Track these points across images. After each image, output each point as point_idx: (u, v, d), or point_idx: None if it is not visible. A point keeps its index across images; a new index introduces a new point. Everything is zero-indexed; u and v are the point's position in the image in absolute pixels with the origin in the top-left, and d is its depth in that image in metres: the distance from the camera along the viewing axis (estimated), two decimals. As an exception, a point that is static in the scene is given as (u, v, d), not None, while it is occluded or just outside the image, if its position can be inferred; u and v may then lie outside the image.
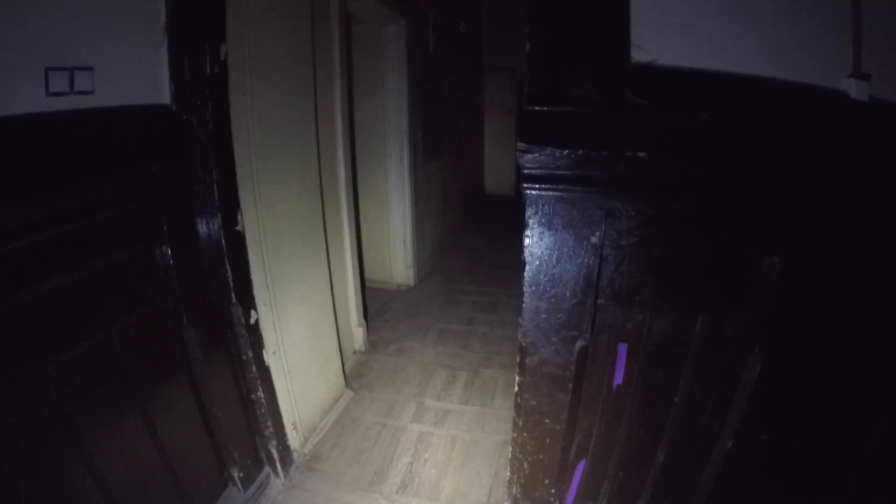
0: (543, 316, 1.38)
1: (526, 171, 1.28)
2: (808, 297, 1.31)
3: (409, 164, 4.41)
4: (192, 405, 1.92)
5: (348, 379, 3.19)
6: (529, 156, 1.26)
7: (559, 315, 1.38)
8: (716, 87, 1.27)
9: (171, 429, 1.75)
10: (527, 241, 1.33)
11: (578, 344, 1.39)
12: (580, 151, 1.23)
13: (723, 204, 1.29)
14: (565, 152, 1.24)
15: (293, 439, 2.49)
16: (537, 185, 1.29)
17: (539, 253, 1.35)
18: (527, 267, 1.35)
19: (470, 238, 6.47)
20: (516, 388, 1.50)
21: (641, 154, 1.22)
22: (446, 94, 5.73)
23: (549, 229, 1.32)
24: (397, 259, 4.63)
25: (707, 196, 1.28)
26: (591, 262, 1.32)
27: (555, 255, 1.34)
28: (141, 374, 1.61)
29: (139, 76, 1.59)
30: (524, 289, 1.37)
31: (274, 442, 2.34)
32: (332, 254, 2.97)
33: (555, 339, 1.40)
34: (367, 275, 4.73)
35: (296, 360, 2.44)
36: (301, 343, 2.49)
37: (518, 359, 1.46)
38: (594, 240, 1.30)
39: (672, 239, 1.29)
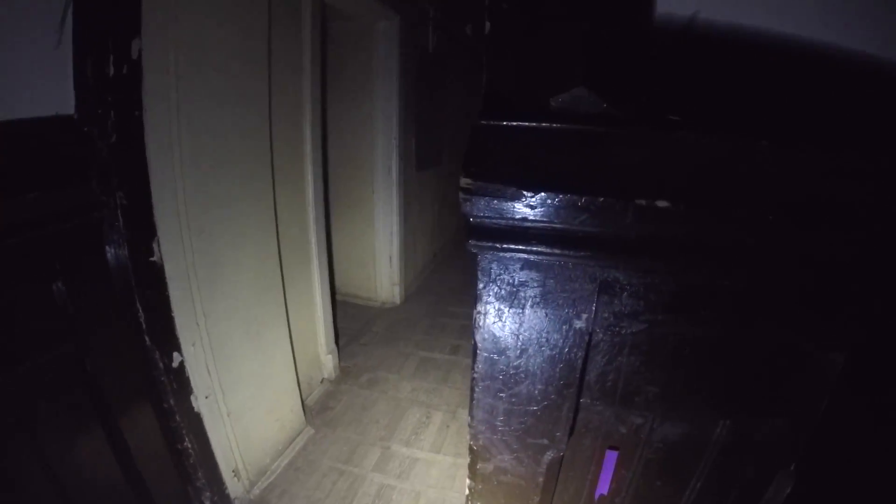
0: (501, 418, 1.03)
1: (475, 222, 0.88)
2: (870, 404, 0.97)
3: (398, 175, 4.07)
4: (111, 460, 1.64)
5: (311, 413, 2.88)
6: (481, 200, 0.85)
7: (524, 419, 1.03)
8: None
9: (85, 487, 1.51)
10: (478, 321, 0.96)
11: (549, 455, 1.06)
12: (564, 196, 0.81)
13: (780, 281, 0.88)
14: (540, 196, 0.82)
15: (234, 487, 2.19)
16: (494, 244, 0.90)
17: (496, 339, 0.98)
18: (478, 355, 0.99)
19: (466, 254, 6.14)
20: (466, 493, 1.17)
21: (662, 203, 0.79)
22: (448, 99, 5.39)
23: (511, 307, 0.95)
24: (382, 276, 4.31)
25: (759, 269, 0.86)
26: (575, 353, 0.95)
27: (520, 342, 0.97)
28: (46, 427, 1.38)
29: (40, 82, 1.30)
30: (474, 382, 1.01)
31: (208, 493, 2.06)
32: (296, 277, 2.66)
33: (516, 446, 1.06)
34: (349, 290, 4.44)
35: (239, 402, 2.14)
36: (246, 382, 2.19)
37: (469, 460, 1.13)
38: (580, 324, 0.93)
39: (698, 327, 0.91)
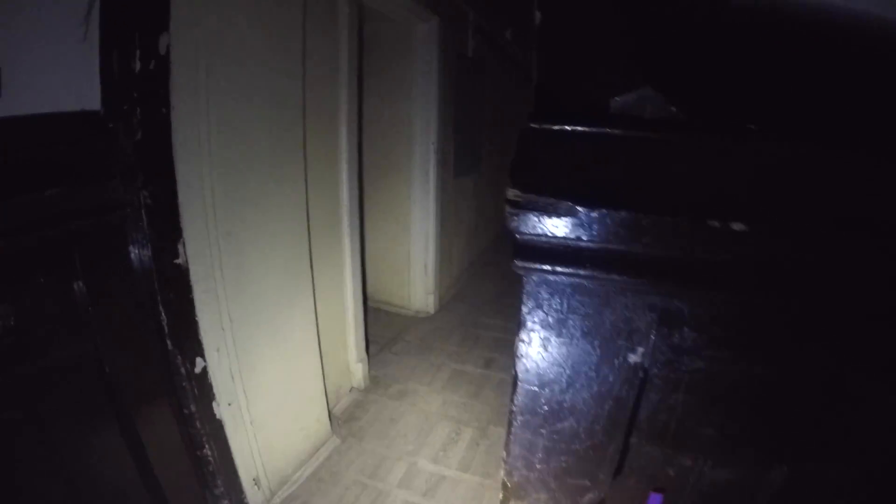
0: (540, 456, 0.92)
1: (522, 240, 0.79)
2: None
3: (436, 180, 3.99)
4: (127, 463, 1.62)
5: (338, 422, 2.81)
6: (530, 215, 0.74)
7: (565, 458, 0.92)
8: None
9: (101, 490, 1.49)
10: (521, 350, 0.86)
11: (589, 497, 0.94)
12: (625, 214, 0.70)
13: (856, 317, 0.73)
14: (598, 213, 0.71)
15: (253, 496, 2.13)
16: (543, 265, 0.79)
17: (540, 370, 0.87)
18: (519, 387, 0.88)
19: (503, 262, 6.00)
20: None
21: (738, 226, 0.67)
22: (486, 104, 5.29)
23: (558, 336, 0.84)
24: (417, 284, 4.23)
25: (837, 303, 0.72)
26: (627, 389, 0.84)
27: (566, 376, 0.86)
28: (61, 426, 1.35)
29: (67, 76, 1.27)
30: (512, 416, 0.91)
31: (226, 501, 2.01)
32: (327, 283, 2.60)
33: (555, 486, 0.95)
34: (382, 297, 4.37)
35: (263, 409, 2.09)
36: (272, 389, 2.13)
37: (501, 496, 1.01)
38: (635, 358, 0.81)
39: (763, 364, 0.78)
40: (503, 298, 4.72)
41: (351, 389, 3.12)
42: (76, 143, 1.29)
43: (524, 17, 6.99)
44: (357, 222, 2.80)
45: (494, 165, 5.98)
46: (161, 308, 1.52)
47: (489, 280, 5.29)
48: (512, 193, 0.74)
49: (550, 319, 0.82)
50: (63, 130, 1.28)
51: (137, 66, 1.31)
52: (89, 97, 1.33)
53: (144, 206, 1.38)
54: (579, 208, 0.70)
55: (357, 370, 3.10)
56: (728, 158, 0.69)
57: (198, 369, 1.72)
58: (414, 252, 4.16)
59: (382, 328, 4.03)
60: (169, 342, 1.58)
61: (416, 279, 4.22)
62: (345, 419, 2.89)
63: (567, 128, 0.73)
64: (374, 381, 3.26)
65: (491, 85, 5.36)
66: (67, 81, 1.28)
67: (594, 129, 0.72)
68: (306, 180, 2.12)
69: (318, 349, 2.41)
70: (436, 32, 3.62)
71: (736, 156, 0.69)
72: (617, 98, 0.73)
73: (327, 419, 2.64)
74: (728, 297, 0.73)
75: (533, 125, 0.76)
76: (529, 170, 0.75)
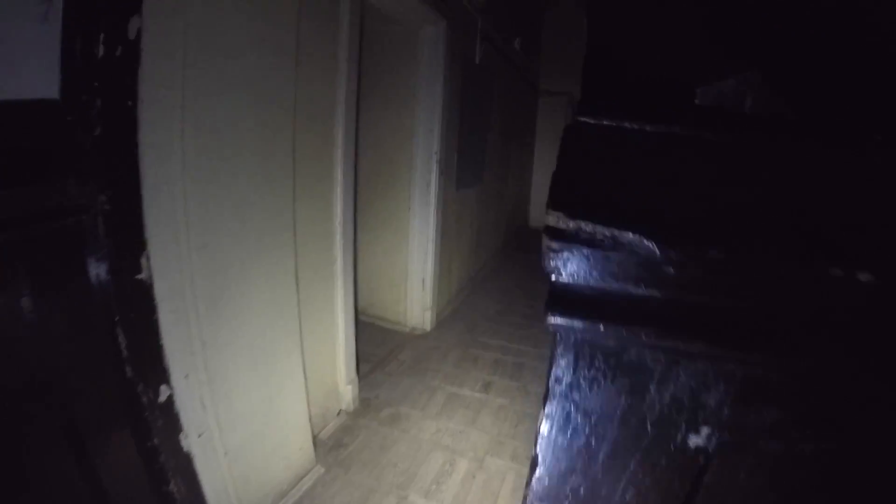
0: None
1: (562, 285, 0.57)
2: None
3: (437, 191, 3.81)
4: (83, 500, 1.42)
5: (323, 448, 2.61)
6: (579, 252, 0.53)
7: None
8: None
9: None
10: (545, 428, 0.65)
11: None
12: (716, 253, 0.49)
13: None
14: (677, 253, 0.50)
15: (227, 534, 1.92)
16: (592, 322, 0.56)
17: (569, 454, 0.66)
18: (537, 471, 0.67)
19: (504, 278, 5.82)
20: None
21: (865, 277, 0.47)
22: (492, 114, 5.12)
23: (599, 411, 0.63)
24: (413, 299, 4.03)
25: None
26: (680, 479, 0.62)
27: (602, 461, 0.64)
28: (10, 459, 1.18)
29: (24, 59, 1.09)
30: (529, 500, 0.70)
31: (195, 542, 1.81)
32: (316, 300, 2.41)
33: None
34: (376, 312, 4.18)
35: (239, 439, 1.89)
36: (249, 418, 1.93)
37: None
38: (696, 440, 0.60)
39: (854, 447, 0.58)
40: (503, 316, 4.53)
41: (339, 412, 2.91)
42: (25, 136, 1.11)
43: (532, 27, 6.86)
44: (351, 235, 2.61)
45: (498, 177, 5.81)
46: (119, 330, 1.32)
47: (489, 296, 5.09)
48: (553, 219, 0.52)
49: (590, 390, 0.61)
50: (11, 120, 1.10)
51: (101, 50, 1.13)
52: (49, 85, 1.15)
53: (102, 213, 1.19)
54: (651, 244, 0.49)
55: (346, 392, 2.90)
56: (854, 179, 0.50)
57: (162, 398, 1.52)
58: (412, 266, 3.97)
59: (375, 345, 3.83)
60: (128, 369, 1.39)
61: (413, 294, 4.02)
62: (331, 445, 2.68)
63: (632, 125, 0.52)
64: (365, 404, 3.06)
65: (498, 94, 5.20)
66: (24, 66, 1.10)
67: (674, 130, 0.52)
68: (294, 188, 1.94)
69: (303, 373, 2.21)
70: (443, 36, 3.45)
71: (863, 176, 0.49)
72: (706, 86, 0.53)
73: (311, 447, 2.43)
74: (830, 367, 0.54)
75: (583, 118, 0.55)
76: (579, 186, 0.53)
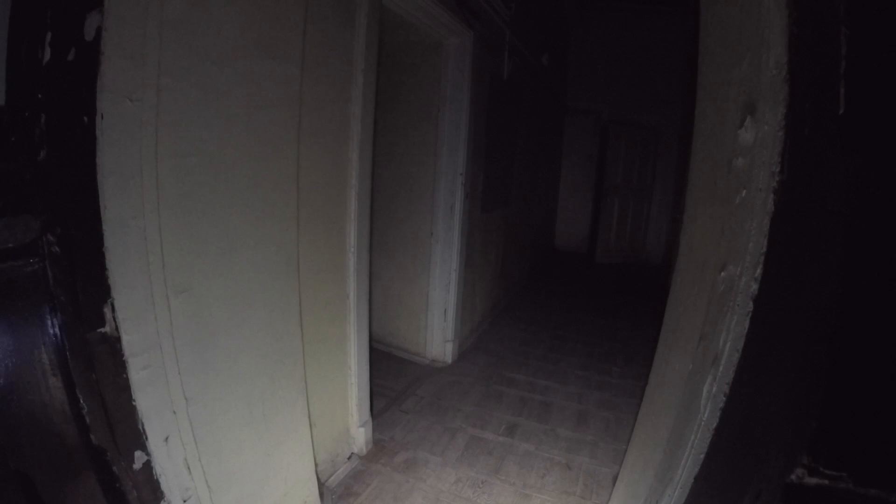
0: None
1: None
2: None
3: (461, 215, 3.58)
4: None
5: (331, 497, 2.37)
6: None
7: None
8: None
9: None
10: None
11: None
12: None
13: None
14: None
15: None
16: None
17: None
18: None
19: (530, 306, 5.53)
20: None
21: None
22: (520, 132, 4.90)
23: None
24: (434, 330, 3.79)
25: None
26: None
27: None
28: None
29: None
30: None
31: None
32: (324, 339, 2.19)
33: None
34: (394, 342, 3.95)
35: (233, 500, 1.67)
36: (244, 476, 1.71)
37: None
38: None
39: None
40: (529, 348, 4.25)
41: (350, 456, 2.67)
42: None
43: (558, 44, 6.66)
44: (366, 266, 2.39)
45: (525, 199, 5.57)
46: (79, 394, 1.11)
47: (514, 326, 4.82)
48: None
49: None
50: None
51: (46, 55, 0.94)
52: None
53: (49, 256, 0.99)
54: None
55: (359, 435, 2.66)
56: None
57: (137, 465, 1.31)
58: (433, 295, 3.73)
59: (393, 378, 3.59)
60: (92, 437, 1.18)
61: (434, 324, 3.78)
62: (340, 494, 2.44)
63: None
64: (379, 447, 2.81)
65: (525, 111, 4.98)
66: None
67: None
68: (298, 216, 1.73)
69: (307, 422, 1.99)
70: (469, 49, 3.25)
71: None
72: None
73: (317, 500, 2.19)
74: None
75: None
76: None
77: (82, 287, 1.06)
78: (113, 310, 1.12)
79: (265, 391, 1.72)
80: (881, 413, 0.48)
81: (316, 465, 2.20)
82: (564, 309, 5.47)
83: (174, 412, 1.36)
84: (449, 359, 3.83)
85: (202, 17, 1.27)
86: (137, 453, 1.30)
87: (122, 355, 1.17)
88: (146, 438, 1.31)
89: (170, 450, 1.38)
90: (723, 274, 0.94)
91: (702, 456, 0.91)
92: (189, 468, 1.47)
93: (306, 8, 1.61)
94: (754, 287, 0.78)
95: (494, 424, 3.10)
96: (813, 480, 0.46)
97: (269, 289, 1.65)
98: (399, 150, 3.62)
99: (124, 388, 1.21)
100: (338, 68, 1.98)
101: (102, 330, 1.12)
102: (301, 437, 1.97)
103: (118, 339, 1.16)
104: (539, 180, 6.41)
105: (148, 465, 1.34)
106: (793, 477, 0.46)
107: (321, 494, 2.25)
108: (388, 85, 3.50)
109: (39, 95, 0.93)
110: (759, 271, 0.77)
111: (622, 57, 7.68)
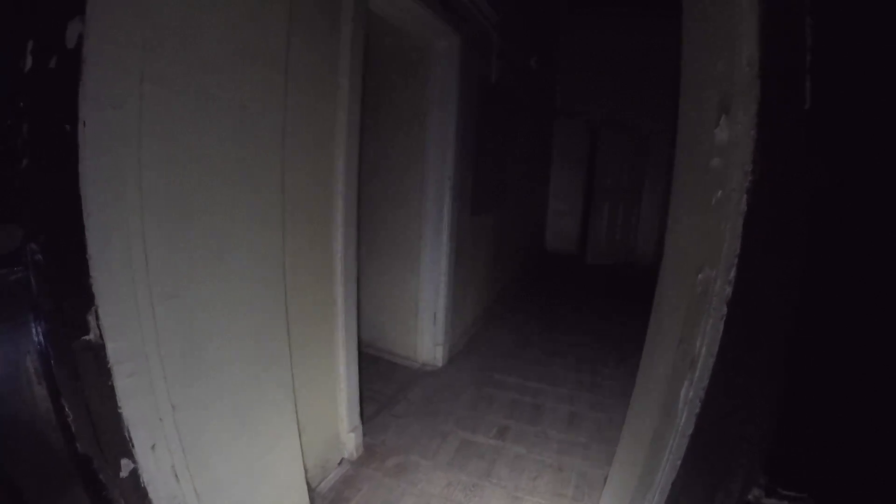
0: None
1: None
2: None
3: (450, 219, 3.59)
4: None
5: (321, 503, 2.37)
6: None
7: None
8: None
9: None
10: None
11: None
12: None
13: None
14: None
15: None
16: None
17: None
18: None
19: (521, 308, 5.55)
20: None
21: None
22: (509, 136, 4.92)
23: None
24: (424, 334, 3.80)
25: None
26: None
27: None
28: None
29: None
30: None
31: None
32: (312, 343, 2.19)
33: None
34: (384, 346, 3.95)
35: (221, 508, 1.66)
36: (233, 483, 1.71)
37: None
38: None
39: None
40: (521, 351, 4.26)
41: (341, 461, 2.67)
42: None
43: (547, 47, 6.70)
44: (354, 271, 2.40)
45: (515, 201, 5.59)
46: (64, 402, 1.11)
47: (505, 329, 4.83)
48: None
49: None
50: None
51: (28, 63, 0.94)
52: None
53: (33, 265, 0.99)
54: None
55: (349, 440, 2.66)
56: None
57: (124, 473, 1.31)
58: (423, 298, 3.74)
59: (383, 382, 3.60)
60: (78, 445, 1.17)
61: (424, 328, 3.79)
62: (331, 499, 2.43)
63: None
64: (369, 451, 2.81)
65: (514, 114, 5.01)
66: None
67: None
68: (284, 222, 1.73)
69: (296, 428, 1.99)
70: (457, 52, 3.27)
71: None
72: None
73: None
74: None
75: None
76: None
77: (66, 295, 1.06)
78: (97, 317, 1.12)
79: (253, 397, 1.72)
80: (842, 432, 0.49)
81: (306, 470, 2.20)
82: (556, 310, 5.49)
83: (161, 419, 1.36)
84: (440, 362, 3.83)
85: (185, 24, 1.27)
86: (124, 461, 1.30)
87: (108, 363, 1.17)
88: (133, 446, 1.31)
89: (157, 457, 1.38)
90: (700, 276, 0.95)
91: (678, 462, 0.92)
92: (177, 476, 1.47)
93: (290, 13, 1.62)
94: (728, 290, 0.79)
95: (486, 427, 3.11)
96: (770, 501, 0.46)
97: (256, 294, 1.66)
98: (387, 154, 3.63)
99: (110, 396, 1.21)
100: (323, 74, 1.99)
101: (87, 338, 1.12)
102: (290, 443, 1.97)
103: (103, 347, 1.16)
104: (529, 183, 6.43)
105: (135, 473, 1.34)
106: (750, 497, 0.46)
107: (311, 500, 2.25)
108: (376, 89, 3.51)
109: (21, 104, 0.94)
110: (732, 274, 0.78)
111: (612, 60, 7.73)
